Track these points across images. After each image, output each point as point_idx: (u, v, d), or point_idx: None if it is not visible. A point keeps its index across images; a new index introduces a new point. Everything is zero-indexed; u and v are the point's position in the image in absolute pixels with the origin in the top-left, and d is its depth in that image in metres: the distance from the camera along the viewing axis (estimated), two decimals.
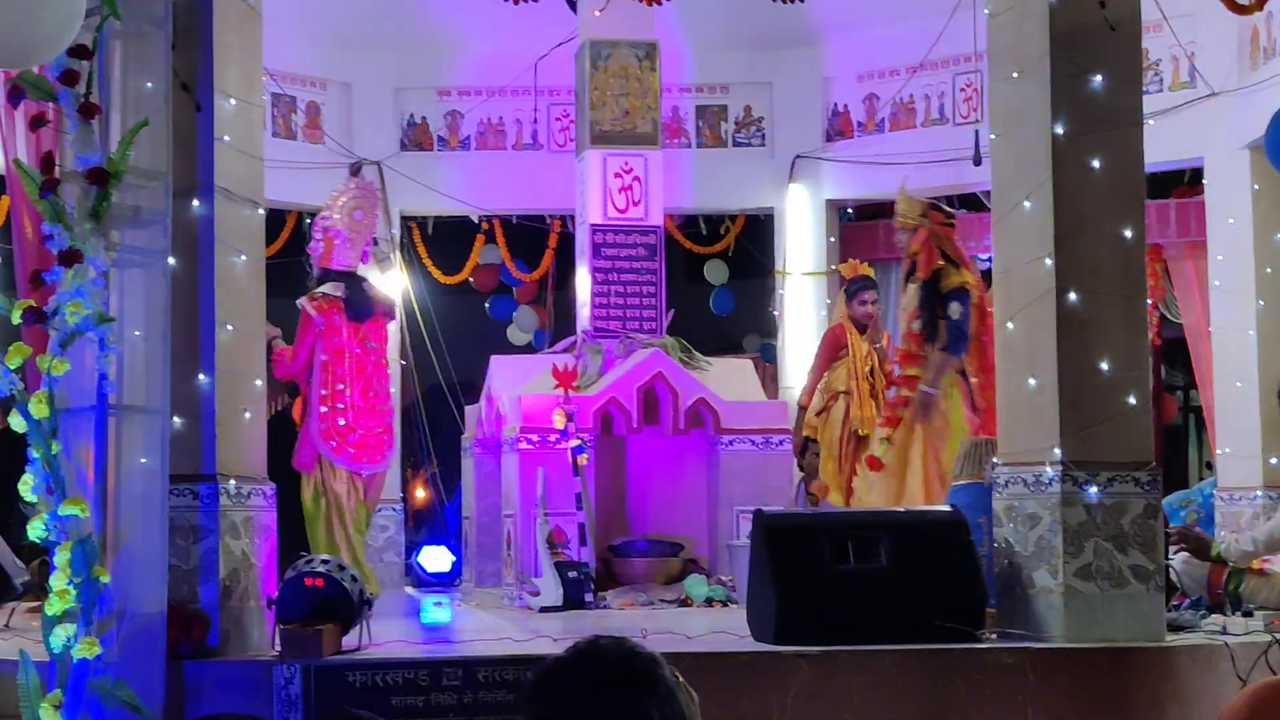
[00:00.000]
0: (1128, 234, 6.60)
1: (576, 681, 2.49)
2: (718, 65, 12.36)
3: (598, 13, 10.10)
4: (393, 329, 11.48)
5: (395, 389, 11.49)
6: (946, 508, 7.23)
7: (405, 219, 12.49)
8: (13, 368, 5.44)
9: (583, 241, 10.38)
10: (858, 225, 12.79)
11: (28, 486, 5.48)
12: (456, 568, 11.18)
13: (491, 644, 7.04)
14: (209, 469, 6.38)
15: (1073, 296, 6.52)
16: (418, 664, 6.14)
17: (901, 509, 8.62)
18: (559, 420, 9.17)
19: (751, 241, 13.07)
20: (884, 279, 11.84)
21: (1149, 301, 7.25)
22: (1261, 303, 10.10)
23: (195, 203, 6.41)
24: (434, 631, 8.39)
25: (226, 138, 6.53)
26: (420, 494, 13.05)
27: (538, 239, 13.02)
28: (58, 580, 5.44)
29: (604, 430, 9.52)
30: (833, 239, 12.44)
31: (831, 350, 10.86)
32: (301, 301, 9.86)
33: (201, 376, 6.38)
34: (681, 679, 2.52)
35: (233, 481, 6.43)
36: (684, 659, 5.62)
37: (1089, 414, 6.51)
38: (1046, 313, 6.54)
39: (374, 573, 9.97)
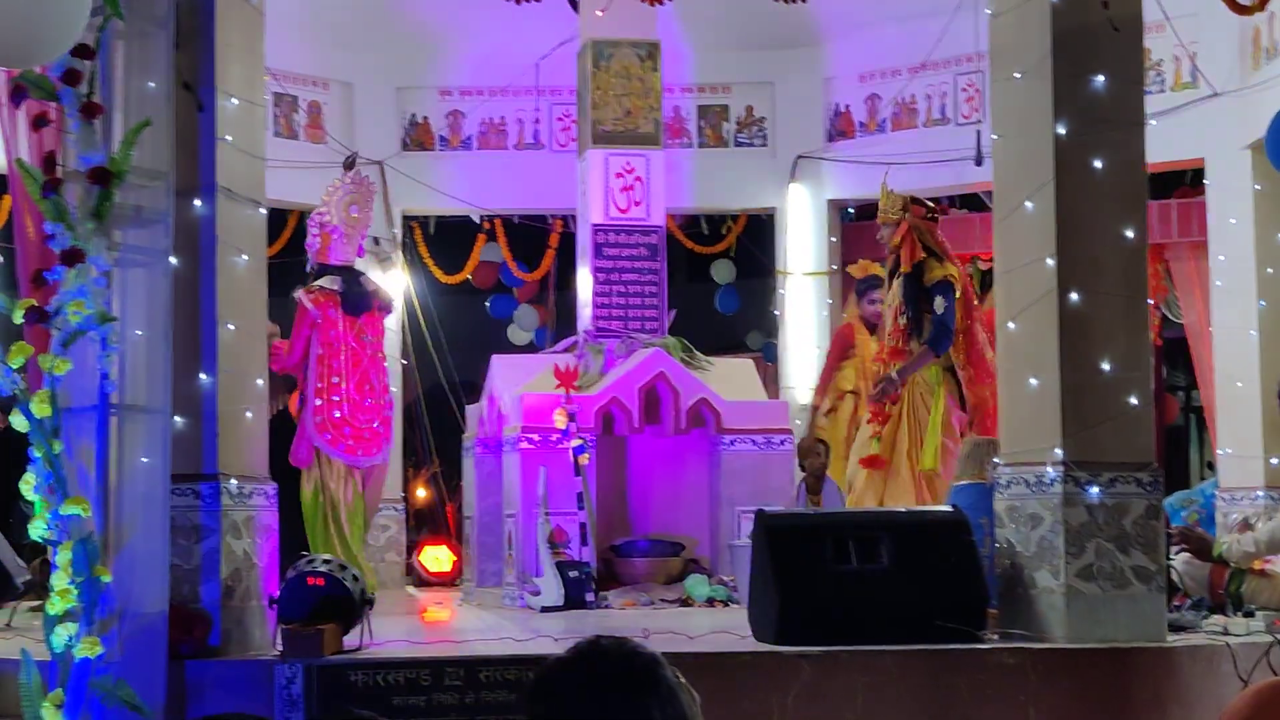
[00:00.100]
0: (1129, 234, 6.60)
1: (578, 682, 2.49)
2: (719, 65, 12.37)
3: (599, 12, 10.10)
4: (394, 328, 11.49)
5: (396, 388, 11.49)
6: (948, 508, 7.24)
7: (407, 219, 12.50)
8: (15, 367, 5.44)
9: (584, 241, 10.38)
10: (859, 225, 12.78)
11: (29, 486, 5.48)
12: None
13: (493, 644, 7.04)
14: (210, 468, 6.38)
15: (1074, 297, 6.52)
16: (419, 664, 6.14)
17: (903, 509, 8.62)
18: (560, 420, 9.17)
19: (753, 241, 13.08)
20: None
21: (1150, 302, 7.25)
22: (1263, 303, 10.10)
23: (197, 202, 6.41)
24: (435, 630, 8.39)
25: (228, 137, 6.53)
26: (421, 493, 13.06)
27: (539, 239, 13.03)
28: (59, 580, 5.44)
29: (605, 430, 9.53)
30: (834, 239, 12.45)
31: (841, 349, 10.88)
32: (298, 294, 9.87)
33: (203, 376, 6.38)
34: (683, 679, 2.52)
35: (234, 481, 6.43)
36: (685, 659, 5.62)
37: (1090, 414, 6.51)
38: (1048, 313, 6.55)
39: (371, 568, 9.97)
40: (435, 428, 12.66)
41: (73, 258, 5.50)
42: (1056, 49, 6.56)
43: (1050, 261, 6.54)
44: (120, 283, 5.69)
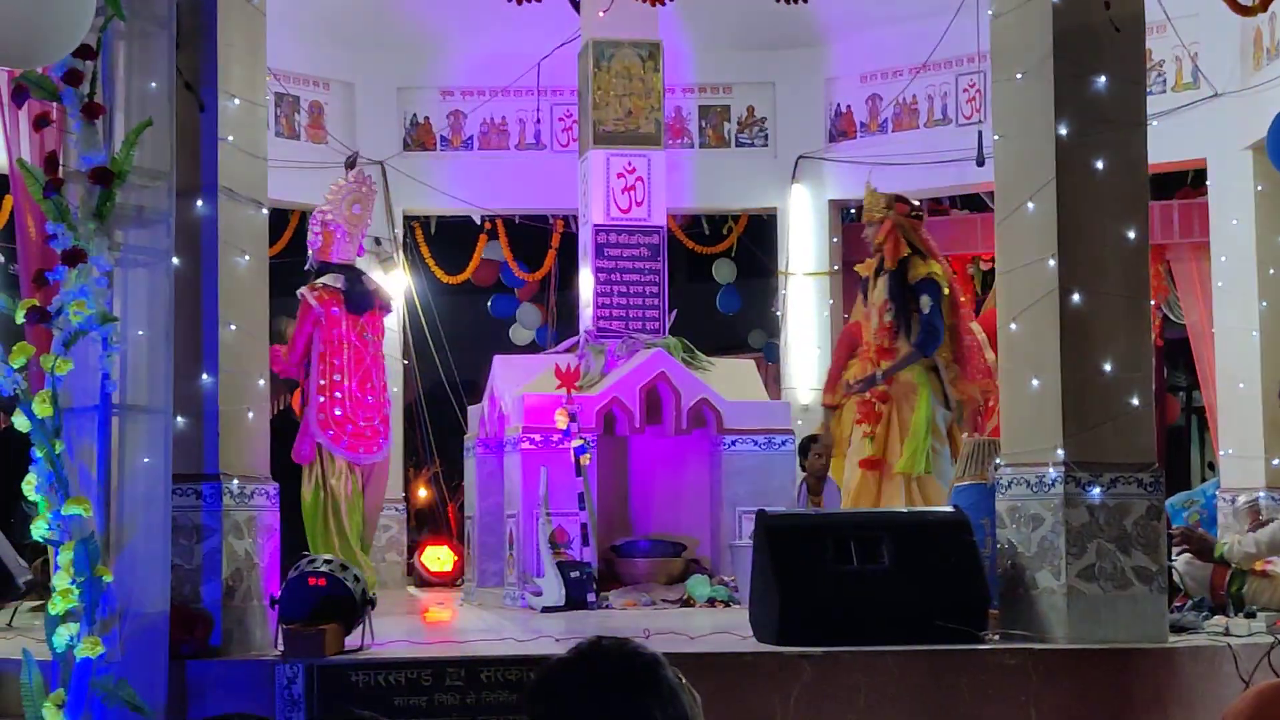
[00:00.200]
0: (1131, 235, 6.60)
1: (579, 682, 2.49)
2: (721, 65, 12.37)
3: (601, 13, 10.10)
4: (394, 328, 11.49)
5: (397, 388, 11.50)
6: (949, 508, 7.24)
7: (408, 218, 12.50)
8: (16, 367, 5.44)
9: (585, 241, 10.39)
10: (860, 225, 12.76)
11: (31, 486, 5.49)
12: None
13: (494, 644, 7.04)
14: (212, 469, 6.38)
15: (1076, 297, 6.52)
16: (421, 664, 6.13)
17: (904, 509, 8.62)
18: (562, 420, 9.17)
19: (754, 242, 13.08)
20: None
21: (1152, 302, 7.25)
22: (1264, 304, 10.09)
23: (199, 202, 6.41)
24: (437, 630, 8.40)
25: (230, 137, 6.53)
26: (422, 493, 13.06)
27: (540, 239, 13.03)
28: (61, 579, 5.44)
29: (607, 430, 9.53)
30: (835, 239, 12.44)
31: (848, 348, 10.87)
32: (302, 291, 9.88)
33: (204, 376, 6.38)
34: (684, 679, 2.52)
35: (236, 481, 6.43)
36: (686, 659, 5.62)
37: (1092, 415, 6.51)
38: (1050, 313, 6.54)
39: (371, 566, 9.97)
40: (436, 428, 12.66)
41: (74, 258, 5.50)
42: (1058, 49, 6.56)
43: (1051, 262, 6.54)
44: (122, 283, 5.69)
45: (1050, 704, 6.17)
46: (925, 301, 9.10)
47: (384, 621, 7.16)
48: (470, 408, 10.63)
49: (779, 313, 12.61)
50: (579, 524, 9.13)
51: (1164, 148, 8.20)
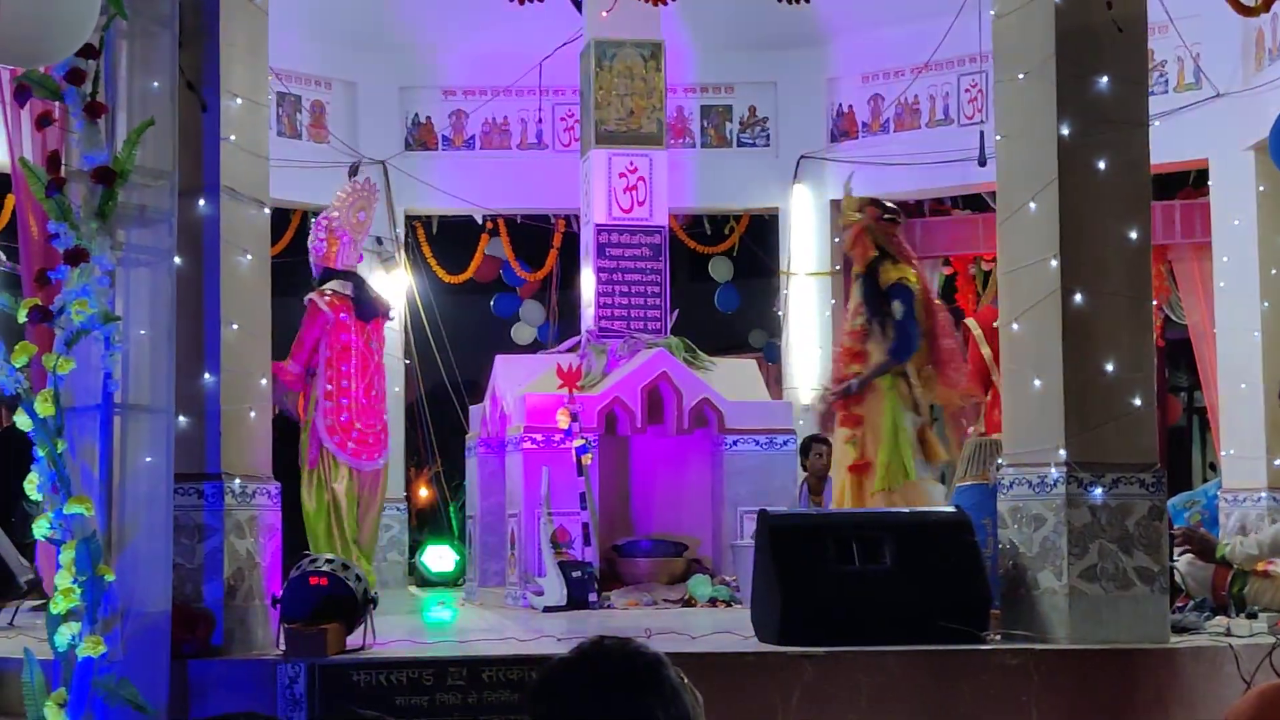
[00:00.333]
0: (1133, 235, 6.60)
1: (581, 682, 2.49)
2: (723, 65, 12.37)
3: (604, 13, 10.11)
4: (396, 328, 11.49)
5: (398, 388, 11.49)
6: (950, 508, 7.24)
7: (410, 218, 12.50)
8: (18, 366, 5.44)
9: (587, 241, 10.39)
10: None
11: (33, 485, 5.49)
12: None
13: (496, 644, 7.04)
14: (214, 468, 6.38)
15: (1078, 297, 6.52)
16: (422, 663, 6.13)
17: (905, 509, 8.60)
18: (563, 420, 9.17)
19: (755, 241, 13.08)
20: None
21: (1154, 302, 7.24)
22: (1266, 304, 10.09)
23: (201, 202, 6.41)
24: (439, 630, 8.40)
25: (232, 137, 6.53)
26: (423, 493, 13.06)
27: (542, 239, 13.04)
28: (62, 579, 5.44)
29: (608, 430, 9.53)
30: (837, 239, 12.39)
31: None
32: (312, 297, 9.87)
33: (206, 375, 6.38)
34: (686, 679, 2.52)
35: (237, 480, 6.43)
36: (688, 659, 5.62)
37: (1094, 415, 6.51)
38: (1052, 314, 6.54)
39: (371, 571, 9.97)
40: (438, 427, 12.66)
41: (76, 257, 5.50)
42: (1060, 50, 6.56)
43: (1054, 262, 6.54)
44: (124, 282, 5.69)
45: (1051, 704, 6.17)
46: (897, 307, 8.92)
47: (385, 621, 7.16)
48: (472, 407, 10.63)
49: (780, 313, 12.60)
50: (580, 524, 9.13)
51: (1166, 148, 8.19)
